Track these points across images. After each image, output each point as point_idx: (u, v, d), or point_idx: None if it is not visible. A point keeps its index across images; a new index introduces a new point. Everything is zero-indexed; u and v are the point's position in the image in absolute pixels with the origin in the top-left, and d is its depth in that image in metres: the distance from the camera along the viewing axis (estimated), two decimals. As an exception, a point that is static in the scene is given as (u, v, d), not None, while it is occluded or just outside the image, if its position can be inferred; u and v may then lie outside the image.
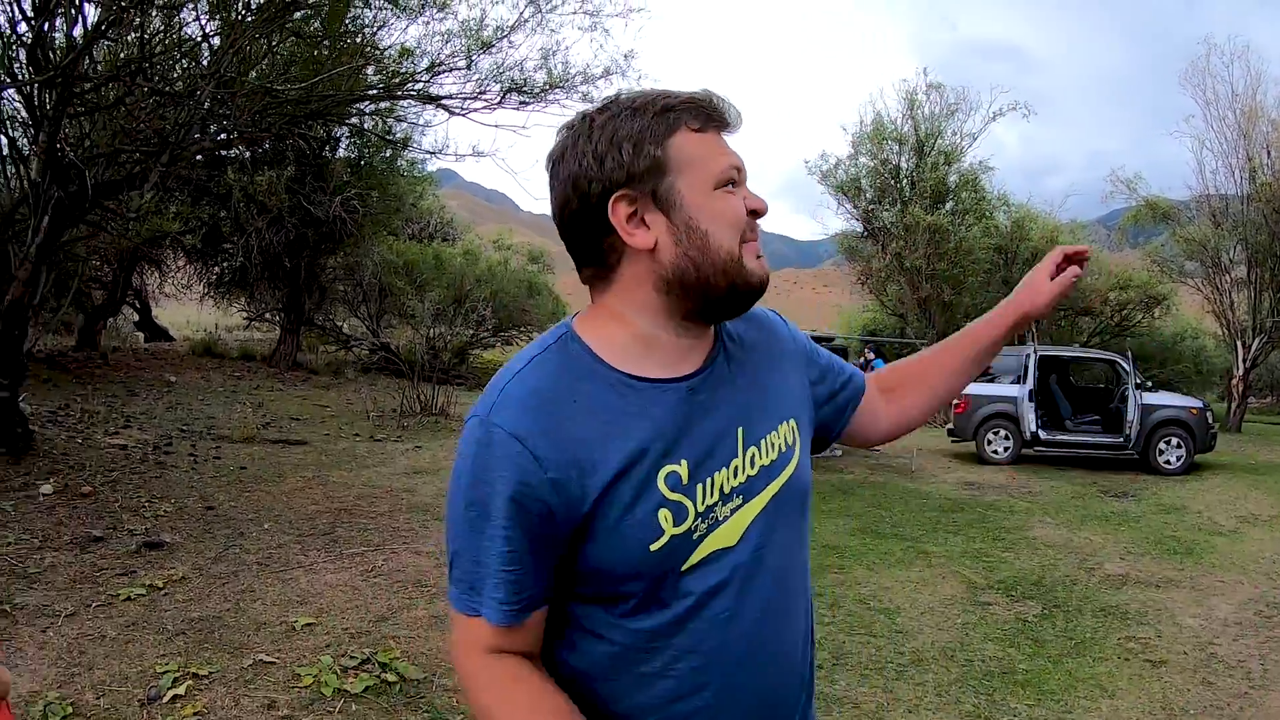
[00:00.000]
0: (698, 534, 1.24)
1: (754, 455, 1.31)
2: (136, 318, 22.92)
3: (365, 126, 13.47)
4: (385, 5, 9.01)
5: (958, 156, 23.42)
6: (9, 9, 7.12)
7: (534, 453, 1.17)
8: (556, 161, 1.27)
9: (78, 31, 7.01)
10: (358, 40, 8.78)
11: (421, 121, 12.80)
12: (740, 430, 1.31)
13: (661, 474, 1.21)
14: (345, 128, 14.39)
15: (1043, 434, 13.75)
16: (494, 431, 1.18)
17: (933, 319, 22.65)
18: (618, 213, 1.23)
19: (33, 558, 5.79)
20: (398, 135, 13.58)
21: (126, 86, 7.11)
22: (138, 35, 6.95)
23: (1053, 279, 1.61)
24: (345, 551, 6.45)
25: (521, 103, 9.65)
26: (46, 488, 7.21)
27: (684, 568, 1.23)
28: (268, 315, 20.81)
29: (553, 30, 9.52)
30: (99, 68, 7.16)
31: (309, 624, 4.89)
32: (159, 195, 8.78)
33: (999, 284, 23.10)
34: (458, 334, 18.32)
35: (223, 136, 8.84)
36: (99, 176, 7.63)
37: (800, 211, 70.33)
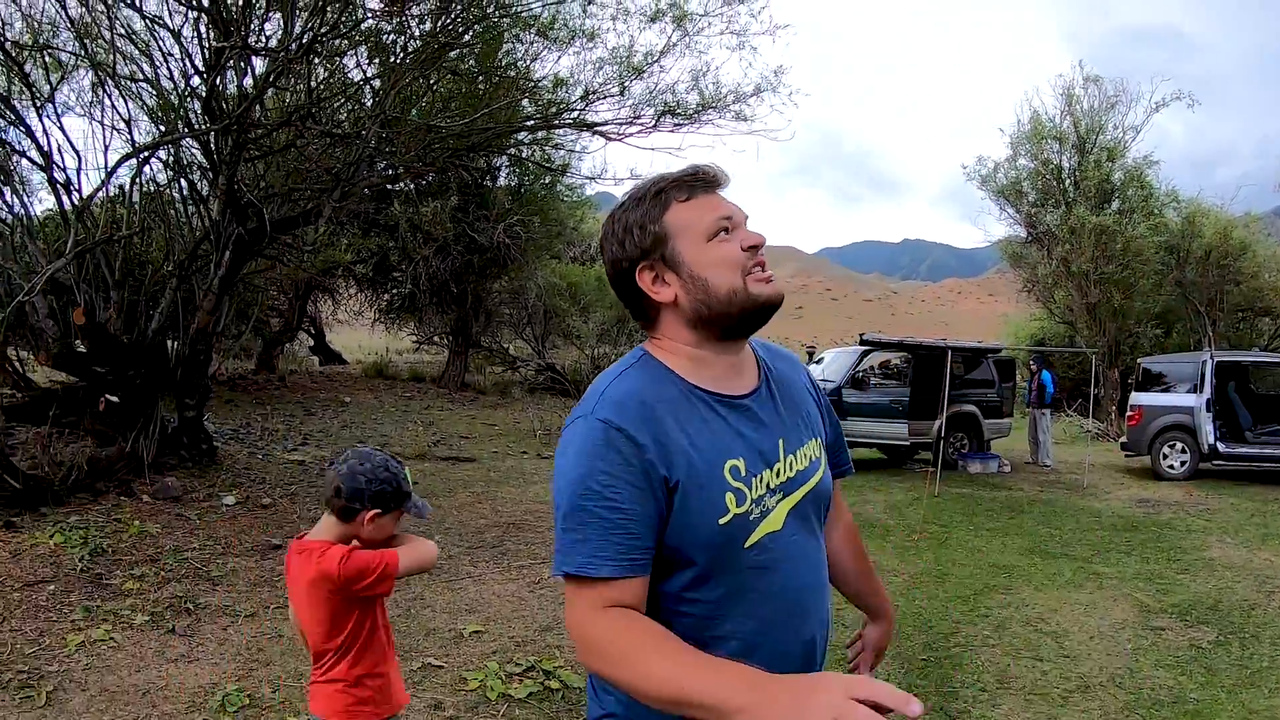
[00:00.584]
0: (753, 517, 1.54)
1: (791, 461, 1.64)
2: (311, 342, 23.94)
3: (524, 155, 13.88)
4: (536, 38, 9.33)
5: (1121, 152, 22.09)
6: (182, 64, 7.77)
7: (635, 440, 1.46)
8: (600, 248, 1.66)
9: (248, 82, 7.60)
10: (512, 74, 9.12)
11: (579, 148, 13.13)
12: (781, 441, 1.64)
13: (726, 466, 1.52)
14: (505, 157, 14.85)
15: (1221, 447, 12.94)
16: (599, 425, 1.47)
17: (1103, 326, 21.62)
18: (643, 280, 1.60)
19: (216, 562, 6.29)
20: (556, 163, 13.95)
21: (297, 131, 7.65)
22: (304, 83, 7.47)
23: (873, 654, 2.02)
24: (513, 564, 6.73)
25: (675, 125, 9.82)
26: (229, 499, 7.78)
27: (746, 544, 1.53)
28: (436, 338, 21.54)
29: (701, 52, 9.66)
30: (270, 115, 7.70)
31: (476, 631, 5.19)
32: (331, 229, 9.36)
33: (1171, 286, 21.91)
34: (621, 353, 18.59)
35: (390, 172, 9.30)
36: (275, 213, 8.24)
37: (962, 219, 68.67)
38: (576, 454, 1.48)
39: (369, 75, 8.14)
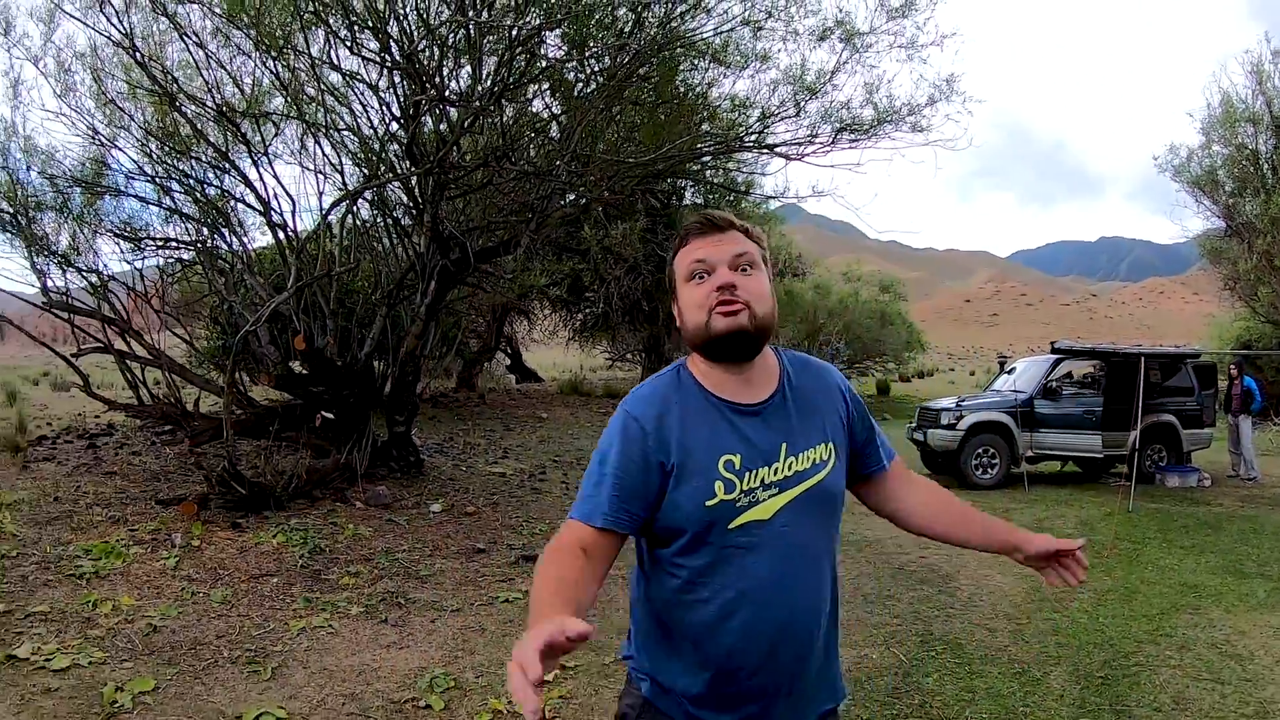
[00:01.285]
0: (740, 504, 1.87)
1: (792, 463, 1.92)
2: (508, 361, 24.89)
3: (707, 176, 14.09)
4: (711, 64, 9.61)
5: (1324, 131, 20.05)
6: (380, 113, 8.48)
7: (642, 426, 1.88)
8: None
9: (443, 125, 8.24)
10: (691, 100, 9.41)
11: (758, 168, 13.31)
12: (784, 444, 1.93)
13: (721, 460, 1.87)
14: (689, 178, 15.10)
15: None
16: (624, 414, 1.92)
17: (1313, 326, 20.00)
18: (673, 309, 2.05)
19: (425, 562, 6.86)
20: (739, 182, 14.15)
21: (493, 170, 8.22)
22: (496, 125, 8.03)
23: (1049, 556, 2.06)
24: None
25: (852, 141, 9.89)
26: (436, 506, 8.40)
27: (730, 526, 1.87)
28: (629, 355, 22.05)
29: (871, 65, 9.68)
30: (467, 156, 8.33)
31: None
32: (527, 255, 9.92)
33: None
34: None
35: (581, 202, 9.75)
36: (476, 245, 8.89)
37: (1157, 212, 64.37)
38: (607, 433, 1.92)
39: (556, 113, 8.62)
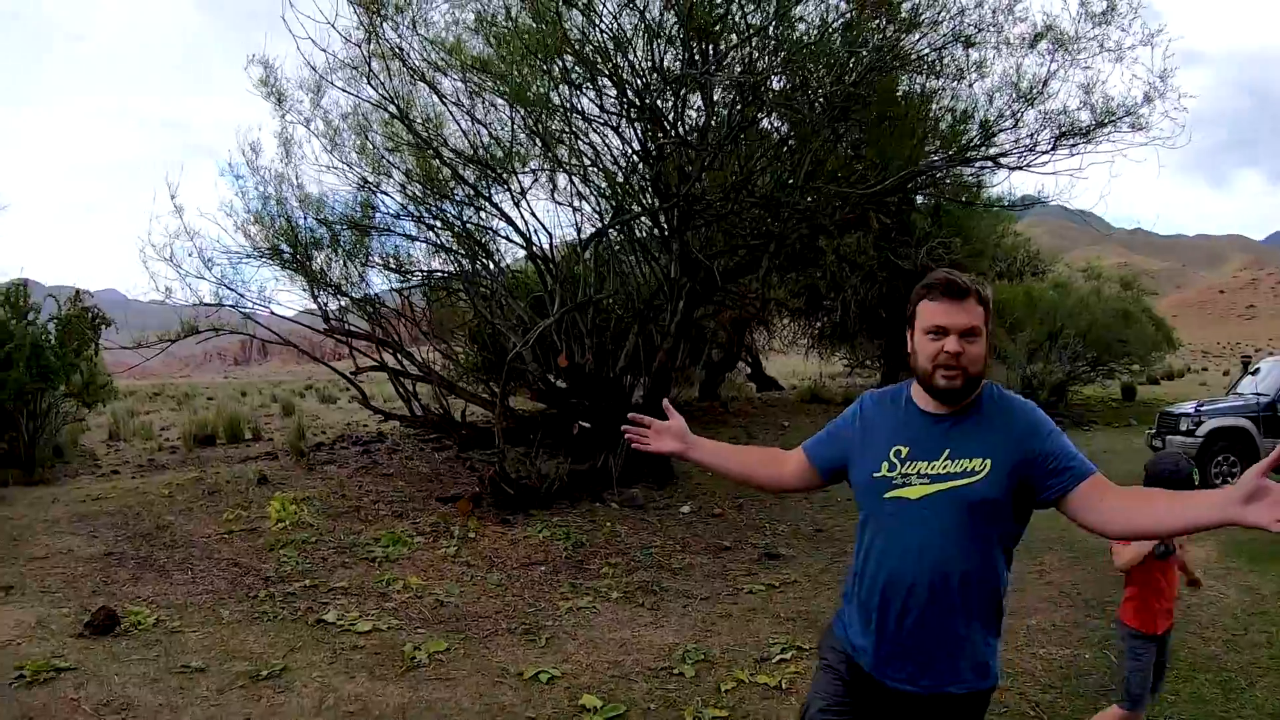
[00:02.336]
0: (895, 481, 2.49)
1: (947, 464, 2.44)
2: (749, 370, 25.36)
3: (937, 179, 14.07)
4: (928, 78, 9.80)
5: None
6: (625, 151, 9.28)
7: (862, 407, 2.73)
8: None
9: (686, 165, 8.92)
10: (911, 117, 9.61)
11: (983, 176, 13.26)
12: (947, 450, 2.46)
13: (893, 447, 2.53)
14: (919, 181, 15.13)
15: None
16: (859, 400, 2.77)
17: None
18: (908, 334, 2.57)
19: (676, 557, 7.50)
20: (970, 185, 14.07)
21: (732, 202, 8.82)
22: (731, 161, 8.64)
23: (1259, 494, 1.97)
24: None
25: (1071, 146, 9.82)
26: (685, 508, 9.06)
27: (885, 495, 2.50)
28: (867, 362, 22.07)
29: (1085, 66, 9.56)
30: (709, 189, 8.96)
31: None
32: (767, 272, 10.42)
33: None
34: (1053, 371, 17.96)
35: (815, 223, 10.15)
36: (720, 268, 9.48)
37: None
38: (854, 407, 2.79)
39: (785, 134, 9.08)
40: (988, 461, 2.42)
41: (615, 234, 10.33)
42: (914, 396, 2.61)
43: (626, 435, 3.08)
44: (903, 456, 2.50)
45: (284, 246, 11.07)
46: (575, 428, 9.33)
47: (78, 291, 13.21)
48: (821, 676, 2.68)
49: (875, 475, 2.52)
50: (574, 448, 9.53)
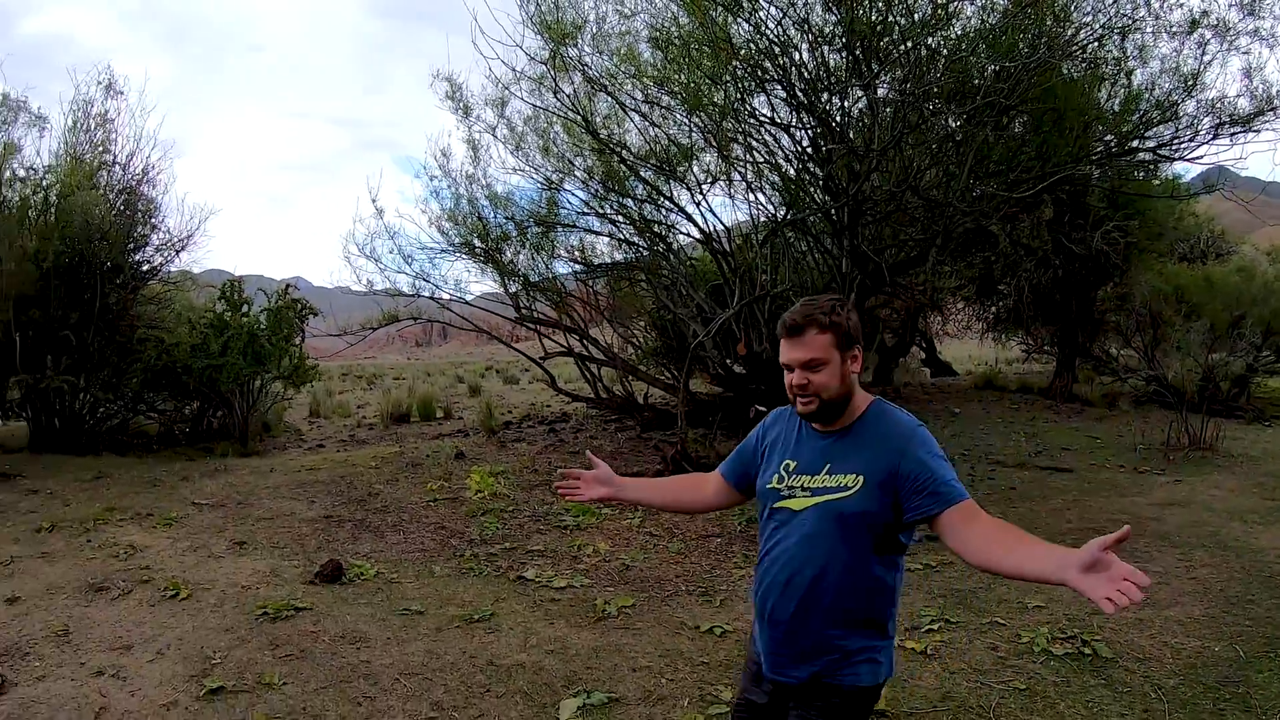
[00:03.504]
0: (783, 493, 2.79)
1: (825, 479, 2.71)
2: (923, 355, 25.36)
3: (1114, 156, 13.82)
4: (1086, 70, 9.91)
5: None
6: (797, 151, 9.93)
7: (766, 428, 3.04)
8: None
9: (855, 165, 9.49)
10: (1072, 111, 9.70)
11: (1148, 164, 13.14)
12: (827, 465, 2.72)
13: (784, 460, 2.83)
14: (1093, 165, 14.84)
15: None
16: (765, 420, 3.08)
17: None
18: None
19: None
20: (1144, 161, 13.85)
21: (898, 202, 9.41)
22: (895, 163, 9.19)
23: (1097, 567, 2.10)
24: None
25: (1232, 135, 9.77)
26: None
27: (774, 505, 2.81)
28: (1045, 348, 21.52)
29: (1244, 52, 9.42)
30: (878, 189, 9.47)
31: (1039, 606, 6.27)
32: (936, 263, 10.80)
33: None
34: (1234, 361, 17.22)
35: (980, 218, 10.48)
36: (889, 260, 10.02)
37: None
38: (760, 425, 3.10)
39: (949, 132, 9.47)
40: (860, 478, 2.66)
41: (791, 229, 10.92)
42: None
43: (558, 489, 3.40)
44: (790, 470, 2.79)
45: (476, 242, 12.28)
46: (751, 411, 10.07)
47: (287, 286, 14.87)
48: (743, 674, 3.09)
49: (768, 487, 2.84)
50: (749, 430, 10.22)
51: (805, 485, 2.75)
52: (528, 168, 12.11)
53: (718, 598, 6.71)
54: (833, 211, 9.66)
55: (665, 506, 3.41)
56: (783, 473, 2.81)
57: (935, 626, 5.93)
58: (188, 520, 8.95)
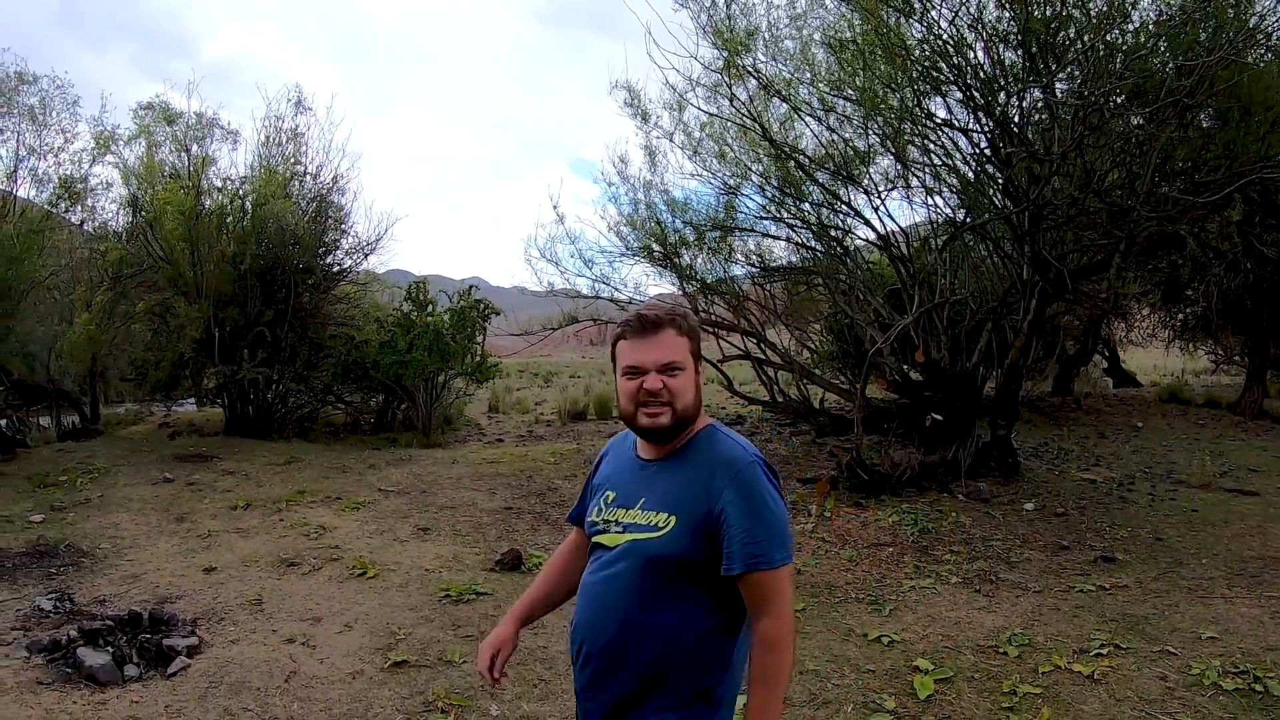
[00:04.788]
0: (599, 526, 2.56)
1: (638, 515, 2.45)
2: (1104, 364, 24.38)
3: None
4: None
5: None
6: (976, 155, 9.88)
7: (601, 457, 2.81)
8: None
9: (1035, 167, 9.38)
10: (1262, 101, 9.23)
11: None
12: (643, 499, 2.47)
13: (605, 491, 2.61)
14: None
15: None
16: (604, 448, 2.85)
17: None
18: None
19: (1014, 551, 8.19)
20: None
21: (1079, 206, 9.29)
22: (1077, 168, 9.07)
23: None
24: (1265, 593, 7.11)
25: None
26: (1028, 505, 9.56)
27: (593, 539, 2.60)
28: (1235, 359, 20.50)
29: None
30: (1058, 193, 9.35)
31: (1212, 637, 6.12)
32: (1120, 268, 10.55)
33: None
34: None
35: (1166, 221, 10.18)
36: (1071, 266, 9.87)
37: None
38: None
39: (1130, 130, 9.23)
40: (672, 518, 2.38)
41: (970, 234, 10.88)
42: (638, 441, 2.61)
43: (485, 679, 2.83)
44: (609, 502, 2.55)
45: (655, 246, 12.66)
46: (927, 419, 10.06)
47: (470, 286, 15.65)
48: None
49: (589, 519, 2.63)
50: (925, 438, 10.28)
51: (620, 520, 2.50)
52: (705, 173, 12.37)
53: (887, 607, 6.80)
54: (1013, 216, 9.60)
55: (563, 593, 2.91)
56: (602, 504, 2.59)
57: (1105, 651, 5.87)
58: (374, 505, 9.58)
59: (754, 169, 12.11)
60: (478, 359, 15.34)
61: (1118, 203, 9.27)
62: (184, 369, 14.54)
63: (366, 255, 16.17)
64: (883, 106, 9.58)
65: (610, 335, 2.59)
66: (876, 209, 11.27)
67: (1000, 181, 9.63)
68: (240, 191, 14.62)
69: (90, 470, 11.27)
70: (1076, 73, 8.81)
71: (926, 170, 10.92)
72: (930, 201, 11.51)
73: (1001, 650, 5.93)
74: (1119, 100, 8.72)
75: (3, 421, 13.75)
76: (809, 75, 10.46)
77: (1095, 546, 8.42)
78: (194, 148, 14.67)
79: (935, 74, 9.16)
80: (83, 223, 15.43)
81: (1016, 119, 9.13)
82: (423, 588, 6.95)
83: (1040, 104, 9.17)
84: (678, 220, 12.79)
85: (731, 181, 12.36)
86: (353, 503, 9.58)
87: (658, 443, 2.52)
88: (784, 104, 10.77)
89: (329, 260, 15.85)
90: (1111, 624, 6.41)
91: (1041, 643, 6.06)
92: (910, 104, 9.62)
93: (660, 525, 2.39)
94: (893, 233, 11.38)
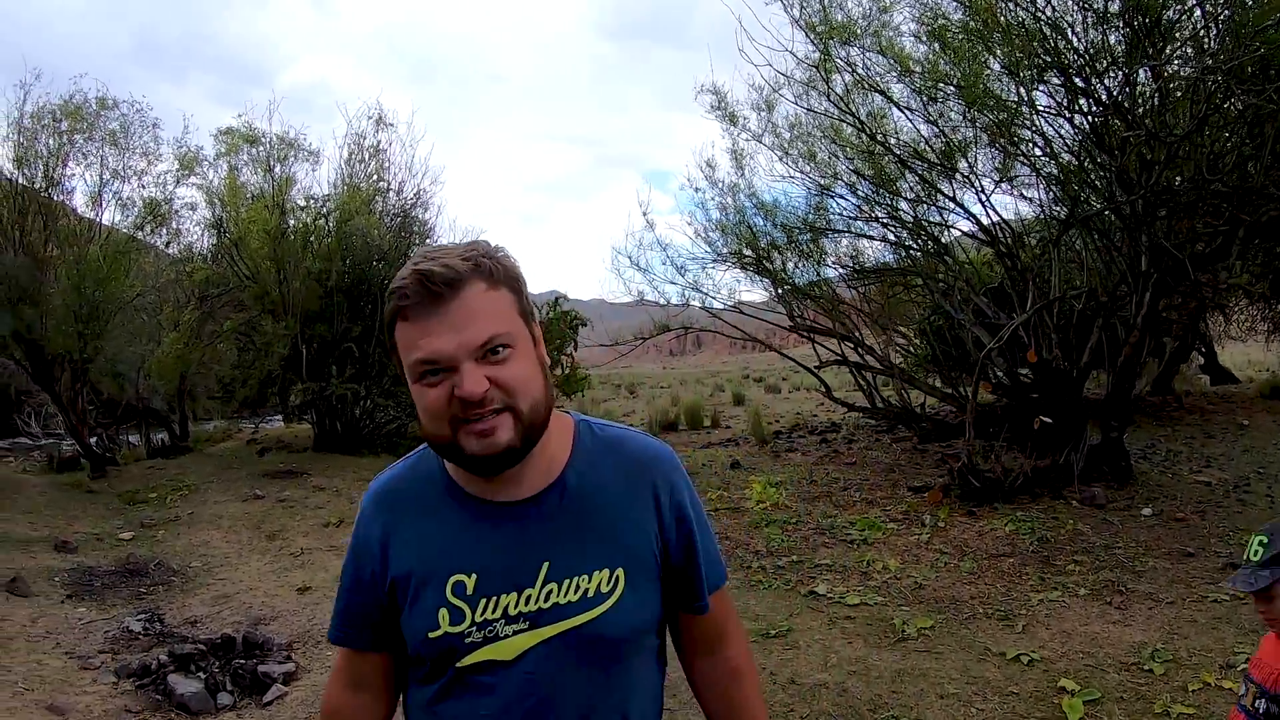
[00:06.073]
0: (470, 639, 1.50)
1: (551, 591, 1.51)
2: (1202, 361, 23.88)
3: None
4: None
5: None
6: (1082, 142, 9.56)
7: (370, 530, 1.65)
8: None
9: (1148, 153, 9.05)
10: None
11: None
12: (546, 565, 1.52)
13: (451, 580, 1.52)
14: None
15: None
16: (362, 509, 1.71)
17: None
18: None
19: (1138, 560, 7.87)
20: None
21: (1196, 192, 8.93)
22: (1196, 151, 8.73)
23: None
24: None
25: None
26: (1146, 510, 9.23)
27: (460, 664, 1.52)
28: None
29: None
30: (1177, 178, 9.03)
31: None
32: (1240, 258, 10.21)
33: None
34: None
35: None
36: (1189, 255, 9.52)
37: None
38: (354, 528, 1.67)
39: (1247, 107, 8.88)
40: (617, 574, 1.57)
41: (1076, 226, 10.62)
42: (455, 475, 1.61)
43: None
44: (470, 592, 1.52)
45: (746, 251, 12.53)
46: (1036, 422, 9.68)
47: (557, 298, 15.71)
48: None
49: (433, 635, 1.52)
50: (1034, 442, 9.91)
51: (512, 613, 1.52)
52: (797, 174, 12.21)
53: (1019, 622, 6.46)
54: (1124, 204, 9.27)
55: None
56: (455, 600, 1.53)
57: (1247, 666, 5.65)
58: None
59: (846, 167, 11.92)
60: (567, 371, 15.33)
61: (1247, 183, 8.88)
62: (271, 386, 14.74)
63: (451, 269, 16.35)
64: (985, 95, 9.32)
65: (387, 307, 1.48)
66: (982, 201, 10.98)
67: (1111, 168, 9.27)
68: (324, 209, 14.82)
69: (180, 487, 11.41)
70: (1190, 50, 8.48)
71: (1027, 161, 10.59)
72: (1033, 195, 11.24)
73: (1146, 667, 5.62)
74: (1251, 71, 8.35)
75: (93, 439, 13.95)
76: (904, 67, 10.23)
77: (1220, 553, 8.12)
78: (276, 168, 14.91)
79: (1039, 59, 8.87)
80: (169, 244, 15.70)
81: (1126, 103, 8.80)
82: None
83: (1150, 83, 8.86)
84: (768, 224, 12.68)
85: (823, 181, 12.19)
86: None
87: (492, 472, 1.51)
88: (880, 97, 10.55)
89: (414, 275, 16.03)
90: (1252, 635, 6.08)
91: (1185, 658, 5.77)
92: (1014, 91, 9.38)
93: (605, 591, 1.55)
94: (997, 225, 11.09)
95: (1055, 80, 9.20)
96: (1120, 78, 8.75)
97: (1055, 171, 10.36)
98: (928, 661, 5.72)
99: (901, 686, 5.35)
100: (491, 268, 1.48)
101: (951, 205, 11.13)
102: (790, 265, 12.76)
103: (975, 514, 8.98)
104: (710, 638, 1.76)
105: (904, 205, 11.66)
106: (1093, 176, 10.00)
